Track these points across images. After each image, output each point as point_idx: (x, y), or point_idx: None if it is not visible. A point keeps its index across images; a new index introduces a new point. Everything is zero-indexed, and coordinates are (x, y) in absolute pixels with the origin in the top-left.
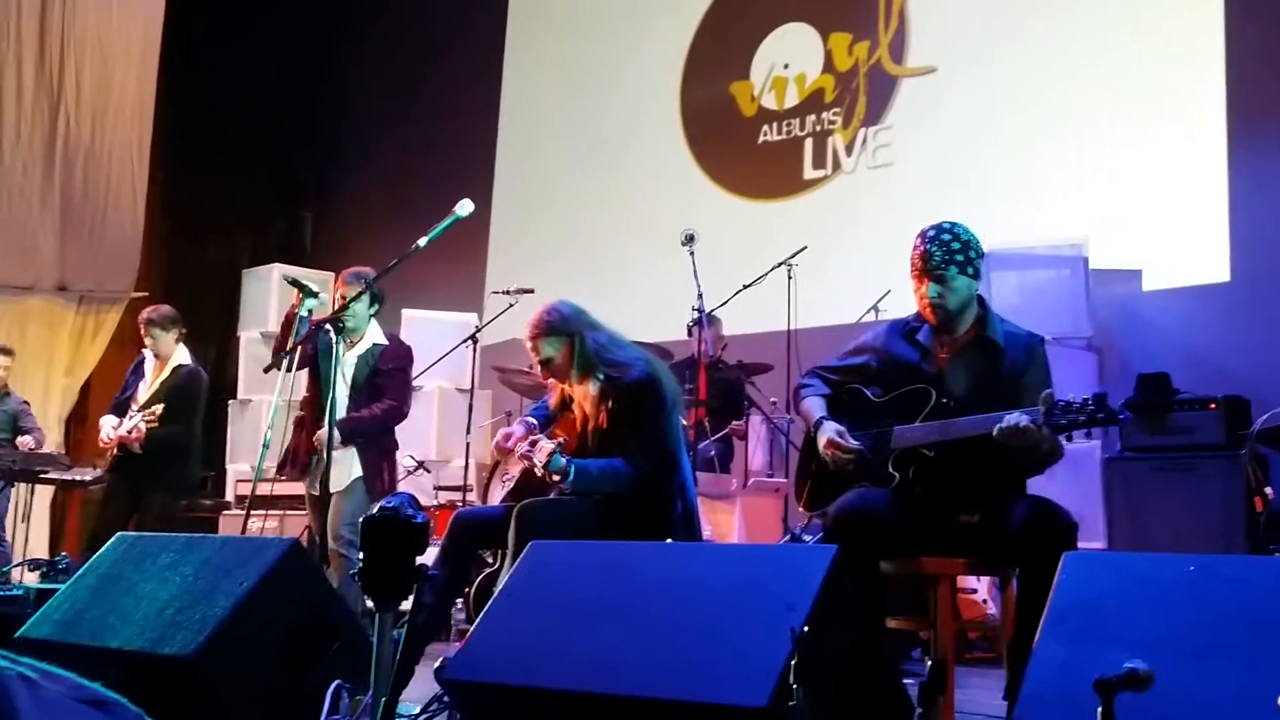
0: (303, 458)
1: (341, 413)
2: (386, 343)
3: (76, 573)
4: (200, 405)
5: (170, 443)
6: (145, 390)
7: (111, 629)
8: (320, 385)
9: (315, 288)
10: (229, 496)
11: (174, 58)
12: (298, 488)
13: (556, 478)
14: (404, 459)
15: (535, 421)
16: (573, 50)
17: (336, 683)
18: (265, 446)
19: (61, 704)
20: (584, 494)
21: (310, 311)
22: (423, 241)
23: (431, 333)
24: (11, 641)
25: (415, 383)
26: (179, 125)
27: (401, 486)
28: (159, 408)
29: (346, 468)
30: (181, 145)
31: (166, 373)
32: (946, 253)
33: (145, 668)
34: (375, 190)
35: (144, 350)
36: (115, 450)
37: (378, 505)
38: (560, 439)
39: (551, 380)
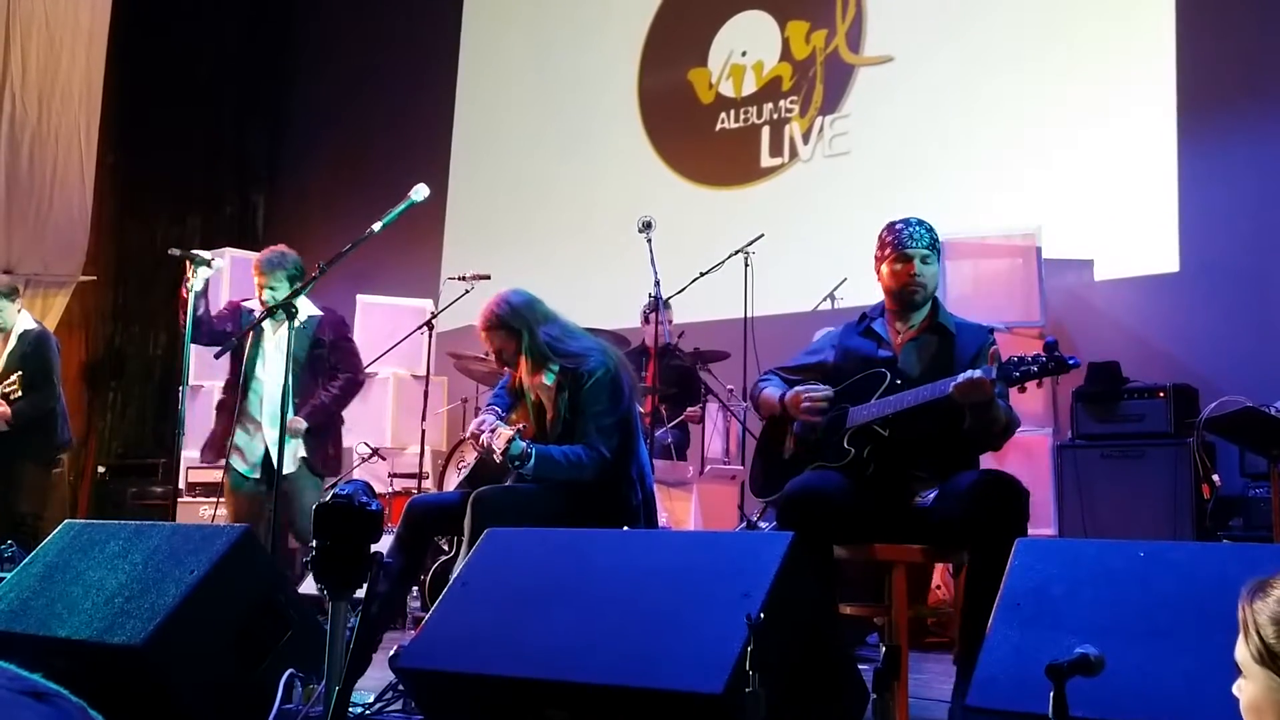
0: (222, 442)
1: (276, 388)
2: (320, 313)
3: (23, 561)
4: (55, 366)
5: (35, 412)
6: None
7: (59, 618)
8: (246, 367)
9: (207, 256)
10: (181, 484)
11: (123, 39)
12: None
13: (518, 464)
14: (359, 446)
15: (500, 410)
16: (530, 35)
17: (289, 672)
18: (179, 433)
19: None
20: (544, 480)
21: (206, 283)
22: (377, 226)
23: (386, 319)
24: None
25: (370, 369)
26: (128, 107)
27: (356, 474)
28: (16, 377)
29: (290, 450)
30: (131, 127)
31: (13, 342)
32: (931, 238)
33: (93, 657)
34: (328, 174)
35: None
36: None
37: (330, 493)
38: (520, 425)
39: (506, 367)
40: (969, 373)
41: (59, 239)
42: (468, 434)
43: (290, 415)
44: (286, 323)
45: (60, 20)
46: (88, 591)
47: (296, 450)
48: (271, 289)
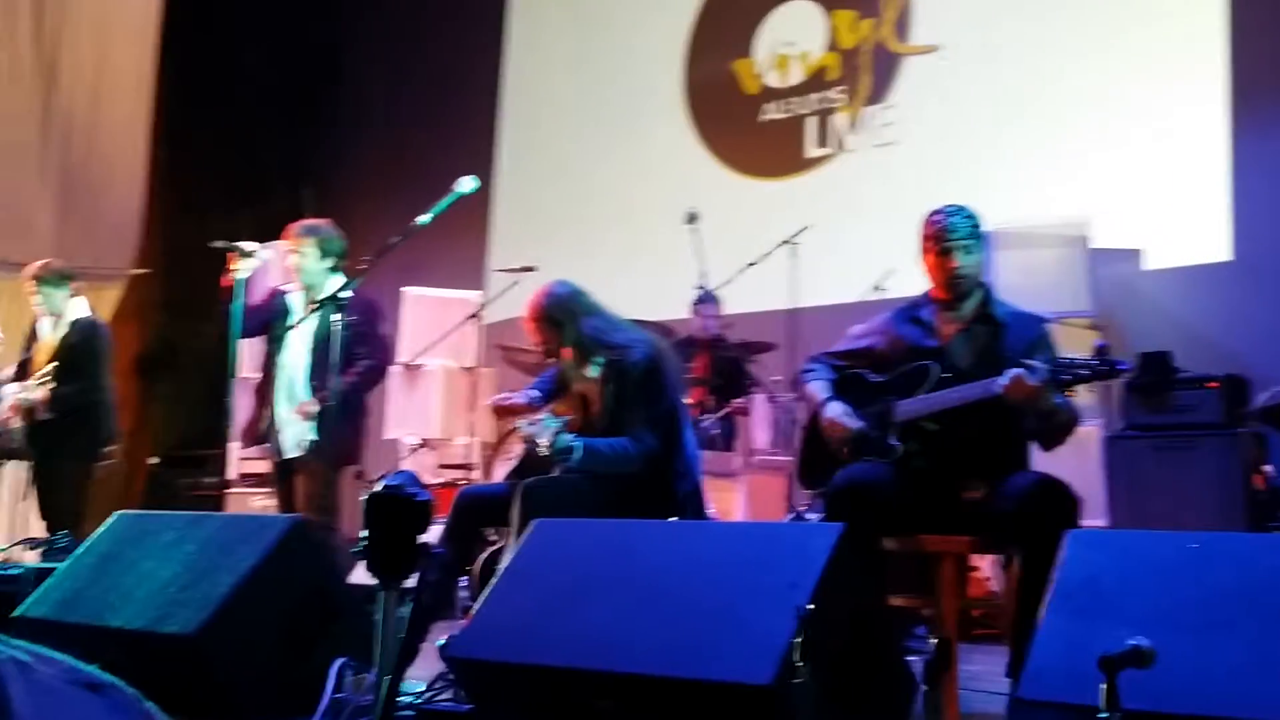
0: (255, 427)
1: (301, 375)
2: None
3: (76, 551)
4: (105, 358)
5: (76, 401)
6: (43, 352)
7: (112, 608)
8: (272, 352)
9: (251, 247)
10: (232, 474)
11: (173, 34)
12: None
13: (563, 457)
14: (406, 438)
15: (539, 394)
16: (577, 26)
17: (341, 661)
18: (228, 424)
19: (55, 688)
20: (589, 472)
21: (251, 273)
22: (424, 219)
23: (433, 311)
24: (9, 621)
25: (416, 361)
26: (179, 102)
27: (404, 465)
28: (50, 368)
29: (301, 432)
30: (181, 122)
31: (64, 329)
32: (972, 226)
33: (146, 647)
34: (377, 166)
35: (37, 310)
36: (22, 421)
37: (382, 483)
38: (566, 417)
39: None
40: (1014, 370)
41: (111, 233)
42: (491, 402)
43: (308, 398)
44: (318, 310)
45: (110, 16)
46: (141, 581)
47: (303, 434)
48: (301, 254)
